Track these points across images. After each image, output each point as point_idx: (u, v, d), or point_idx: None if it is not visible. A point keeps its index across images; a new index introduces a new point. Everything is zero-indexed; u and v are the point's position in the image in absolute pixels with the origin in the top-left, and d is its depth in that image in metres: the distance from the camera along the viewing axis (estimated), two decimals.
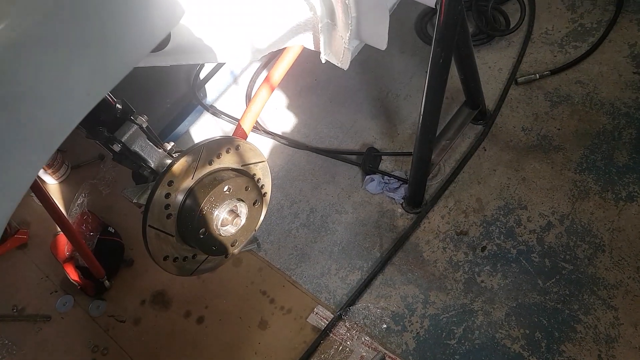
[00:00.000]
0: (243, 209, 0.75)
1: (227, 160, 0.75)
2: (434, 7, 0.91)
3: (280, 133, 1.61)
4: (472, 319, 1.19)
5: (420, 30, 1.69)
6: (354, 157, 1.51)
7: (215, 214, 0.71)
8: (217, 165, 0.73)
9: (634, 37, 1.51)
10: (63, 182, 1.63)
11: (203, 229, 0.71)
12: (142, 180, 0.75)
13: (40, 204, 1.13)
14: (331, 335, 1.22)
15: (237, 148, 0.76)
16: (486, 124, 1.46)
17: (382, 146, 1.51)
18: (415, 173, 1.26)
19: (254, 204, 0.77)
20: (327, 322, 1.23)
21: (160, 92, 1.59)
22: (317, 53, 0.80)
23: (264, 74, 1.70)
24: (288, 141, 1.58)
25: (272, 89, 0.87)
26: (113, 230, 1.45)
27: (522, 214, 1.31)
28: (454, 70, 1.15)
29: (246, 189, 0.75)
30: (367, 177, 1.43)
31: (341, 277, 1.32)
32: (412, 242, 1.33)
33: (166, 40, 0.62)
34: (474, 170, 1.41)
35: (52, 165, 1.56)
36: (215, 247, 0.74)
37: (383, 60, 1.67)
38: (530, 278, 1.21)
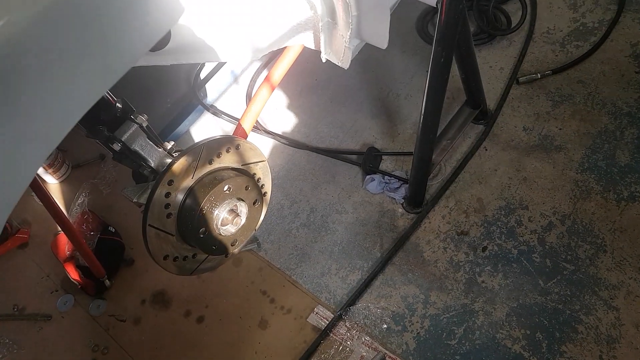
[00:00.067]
0: (243, 209, 0.75)
1: (227, 160, 0.75)
2: (435, 6, 0.91)
3: (280, 133, 1.61)
4: (473, 319, 1.18)
5: (421, 29, 1.69)
6: (354, 156, 1.51)
7: (215, 214, 0.71)
8: (217, 164, 0.73)
9: (636, 37, 1.51)
10: (64, 182, 1.63)
11: (203, 229, 0.70)
12: (142, 180, 0.75)
13: (40, 203, 1.13)
14: (331, 335, 1.22)
15: (237, 147, 0.76)
16: (487, 123, 1.46)
17: (383, 146, 1.51)
18: (415, 173, 1.26)
19: (254, 203, 0.77)
20: (328, 322, 1.23)
21: (161, 91, 1.59)
22: (317, 53, 0.80)
23: (265, 73, 1.70)
24: (288, 141, 1.57)
25: (273, 89, 0.87)
26: (113, 230, 1.45)
27: (523, 214, 1.30)
28: (454, 70, 1.15)
29: (246, 188, 0.75)
30: (368, 177, 1.43)
31: (341, 277, 1.31)
32: (413, 242, 1.33)
33: (166, 39, 0.62)
34: (475, 170, 1.40)
35: (53, 164, 1.56)
36: (216, 246, 0.74)
37: (384, 60, 1.67)
38: (531, 278, 1.21)
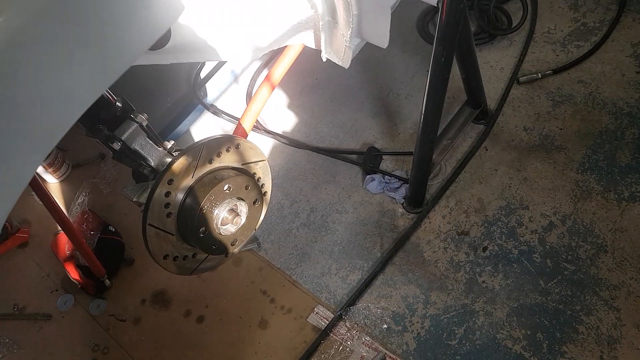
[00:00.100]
0: (243, 208, 0.75)
1: (228, 159, 0.75)
2: (435, 5, 0.90)
3: (280, 132, 1.60)
4: (473, 319, 1.18)
5: (421, 29, 1.69)
6: (354, 156, 1.50)
7: (215, 213, 0.71)
8: (217, 164, 0.73)
9: (637, 37, 1.51)
10: (64, 181, 1.63)
11: (203, 228, 0.70)
12: (142, 179, 0.75)
13: (41, 202, 1.13)
14: (331, 335, 1.22)
15: (237, 147, 0.76)
16: (488, 123, 1.45)
17: (383, 146, 1.51)
18: (416, 173, 1.26)
19: (254, 203, 0.77)
20: (328, 322, 1.23)
21: (161, 91, 1.59)
22: (317, 52, 0.80)
23: (265, 72, 1.70)
24: (288, 140, 1.57)
25: (273, 88, 0.87)
26: (113, 229, 1.45)
27: (524, 214, 1.30)
28: (455, 70, 1.15)
29: (246, 187, 0.74)
30: (368, 176, 1.43)
31: (341, 276, 1.31)
32: (413, 242, 1.32)
33: (166, 38, 0.62)
34: (475, 170, 1.40)
35: (53, 164, 1.56)
36: (215, 246, 0.74)
37: (384, 59, 1.67)
38: (531, 278, 1.21)
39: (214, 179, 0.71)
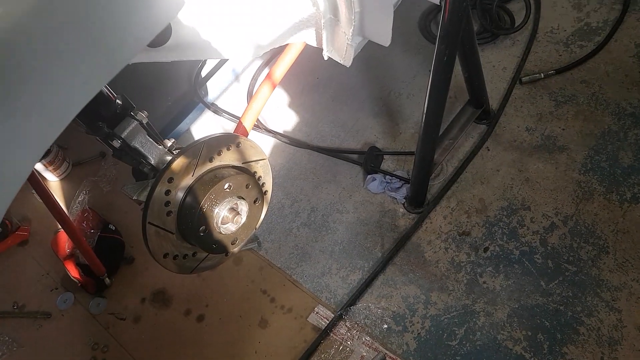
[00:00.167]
0: (244, 207, 0.74)
1: (228, 158, 0.74)
2: (438, 3, 0.90)
3: (281, 132, 1.60)
4: (474, 320, 1.18)
5: (423, 28, 1.68)
6: (355, 156, 1.50)
7: (215, 212, 0.70)
8: (217, 162, 0.73)
9: None
10: (64, 179, 1.63)
11: (203, 227, 0.70)
12: (142, 177, 0.74)
13: (41, 200, 1.12)
14: (331, 334, 1.21)
15: (238, 145, 0.75)
16: (490, 123, 1.45)
17: (384, 145, 1.50)
18: (417, 173, 1.25)
19: (254, 202, 0.76)
20: (328, 322, 1.23)
21: (162, 89, 1.59)
22: (319, 51, 0.79)
23: (266, 71, 1.69)
24: (289, 140, 1.57)
25: (274, 86, 0.86)
26: (114, 228, 1.45)
27: (525, 214, 1.29)
28: (457, 69, 1.14)
29: (247, 186, 0.74)
30: (369, 176, 1.42)
31: (342, 276, 1.31)
32: (414, 242, 1.32)
33: (167, 35, 0.61)
34: (477, 170, 1.39)
35: (53, 162, 1.56)
36: (216, 245, 0.73)
37: (386, 59, 1.66)
38: (532, 279, 1.20)
39: (214, 178, 0.71)
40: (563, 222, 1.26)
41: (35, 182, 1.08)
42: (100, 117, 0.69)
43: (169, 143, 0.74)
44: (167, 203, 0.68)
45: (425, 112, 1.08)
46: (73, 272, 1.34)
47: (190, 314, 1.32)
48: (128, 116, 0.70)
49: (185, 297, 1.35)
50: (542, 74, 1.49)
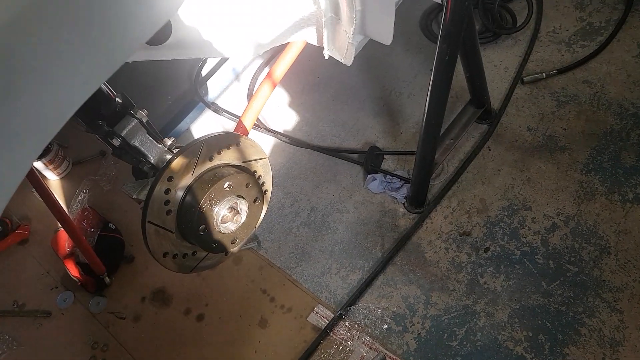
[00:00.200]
0: (243, 206, 0.74)
1: (228, 157, 0.74)
2: (440, 2, 0.89)
3: (281, 131, 1.60)
4: (475, 320, 1.17)
5: (425, 27, 1.67)
6: (355, 155, 1.49)
7: (215, 211, 0.70)
8: (217, 161, 0.72)
9: None
10: (64, 178, 1.62)
11: (203, 226, 0.70)
12: (142, 176, 0.74)
13: (41, 199, 1.12)
14: (331, 334, 1.21)
15: (238, 144, 0.75)
16: (491, 123, 1.44)
17: (385, 145, 1.50)
18: (418, 172, 1.25)
19: (254, 201, 0.76)
20: (328, 322, 1.22)
21: (162, 89, 1.58)
22: (319, 50, 0.79)
23: (266, 70, 1.69)
24: (289, 139, 1.56)
25: (274, 85, 0.86)
26: (114, 227, 1.45)
27: (527, 215, 1.29)
28: (458, 69, 1.14)
29: (247, 185, 0.74)
30: (369, 176, 1.42)
31: (342, 276, 1.31)
32: (414, 242, 1.31)
33: (167, 33, 0.61)
34: (478, 170, 1.39)
35: (54, 161, 1.56)
36: (215, 244, 0.73)
37: (387, 58, 1.66)
38: (534, 280, 1.20)
39: (214, 177, 0.70)
40: (564, 223, 1.26)
41: (36, 180, 1.08)
42: (100, 115, 0.69)
43: (168, 142, 0.74)
44: (167, 202, 0.68)
45: (426, 111, 1.08)
46: (73, 271, 1.34)
47: (190, 313, 1.32)
48: (128, 114, 0.70)
49: (185, 296, 1.35)
50: (544, 74, 1.48)
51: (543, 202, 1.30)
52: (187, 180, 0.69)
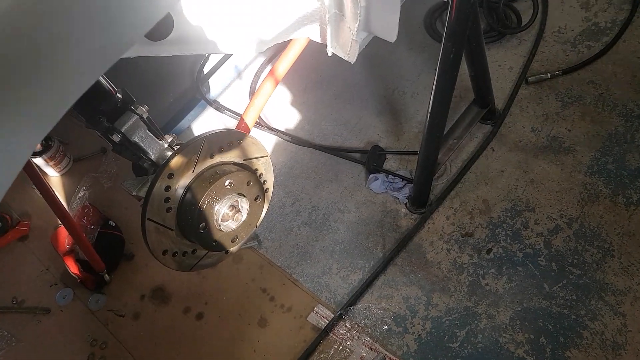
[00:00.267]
0: (244, 205, 0.73)
1: (229, 155, 0.73)
2: (445, 0, 0.88)
3: (283, 130, 1.59)
4: (476, 322, 1.16)
5: (429, 26, 1.66)
6: (357, 155, 1.49)
7: (215, 209, 0.69)
8: (218, 158, 0.72)
9: None
10: (65, 175, 1.62)
11: (203, 224, 0.69)
12: (142, 173, 0.73)
13: (41, 196, 1.12)
14: (331, 334, 1.20)
15: (239, 142, 0.74)
16: (495, 123, 1.43)
17: (387, 144, 1.49)
18: (420, 172, 1.24)
19: (255, 199, 0.75)
20: (327, 322, 1.22)
21: (164, 86, 1.58)
22: (322, 48, 0.78)
23: (269, 68, 1.68)
24: (291, 138, 1.56)
25: (277, 83, 0.85)
26: (114, 224, 1.45)
27: (530, 216, 1.28)
28: (462, 68, 1.13)
29: (248, 184, 0.73)
30: (371, 175, 1.41)
31: (342, 276, 1.30)
32: (416, 242, 1.31)
33: (169, 28, 0.60)
34: (481, 170, 1.38)
35: (54, 157, 1.55)
36: (215, 242, 0.72)
37: (390, 57, 1.65)
38: (536, 282, 1.19)
39: (215, 174, 0.69)
40: (568, 225, 1.25)
41: (36, 177, 1.07)
42: (100, 110, 0.68)
43: (169, 138, 0.73)
44: (167, 199, 0.67)
45: (429, 111, 1.07)
46: (72, 268, 1.34)
47: (190, 311, 1.31)
48: (128, 110, 0.69)
49: (184, 294, 1.34)
50: (548, 74, 1.47)
51: (546, 203, 1.29)
52: (188, 177, 0.68)
